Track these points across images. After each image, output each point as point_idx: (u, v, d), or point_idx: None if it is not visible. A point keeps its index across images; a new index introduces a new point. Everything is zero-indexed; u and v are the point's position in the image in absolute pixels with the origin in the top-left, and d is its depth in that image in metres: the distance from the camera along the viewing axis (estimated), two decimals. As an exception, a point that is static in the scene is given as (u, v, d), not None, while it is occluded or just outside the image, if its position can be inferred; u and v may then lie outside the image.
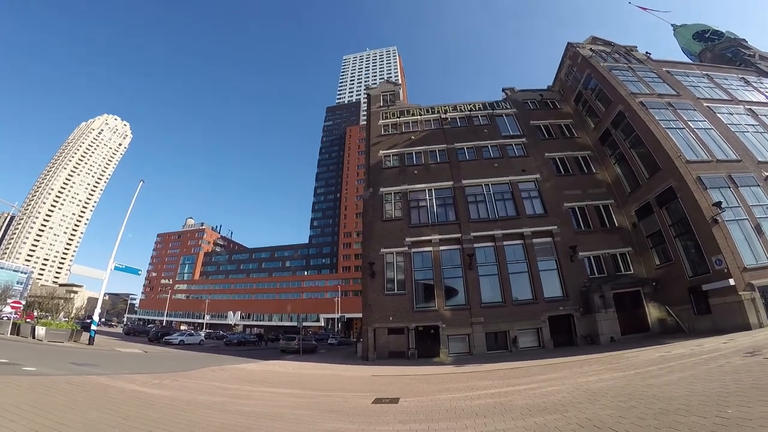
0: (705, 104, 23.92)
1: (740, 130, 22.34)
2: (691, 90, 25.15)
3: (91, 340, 21.21)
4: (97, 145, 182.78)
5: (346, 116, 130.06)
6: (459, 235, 23.60)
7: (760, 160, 20.48)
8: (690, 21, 43.99)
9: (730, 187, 18.91)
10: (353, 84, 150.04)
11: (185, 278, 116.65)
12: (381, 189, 26.32)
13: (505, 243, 23.28)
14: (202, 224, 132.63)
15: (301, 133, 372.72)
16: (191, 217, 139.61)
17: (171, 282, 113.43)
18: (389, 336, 21.19)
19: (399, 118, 30.45)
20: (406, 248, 23.48)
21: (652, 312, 20.06)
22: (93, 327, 22.11)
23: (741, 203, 18.41)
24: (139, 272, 27.99)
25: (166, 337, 36.16)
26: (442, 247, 23.48)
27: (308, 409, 7.72)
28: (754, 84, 27.18)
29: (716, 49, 35.58)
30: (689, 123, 22.23)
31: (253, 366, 18.10)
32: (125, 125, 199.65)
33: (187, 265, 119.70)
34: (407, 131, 29.57)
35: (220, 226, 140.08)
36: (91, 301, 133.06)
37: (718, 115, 23.14)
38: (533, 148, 27.32)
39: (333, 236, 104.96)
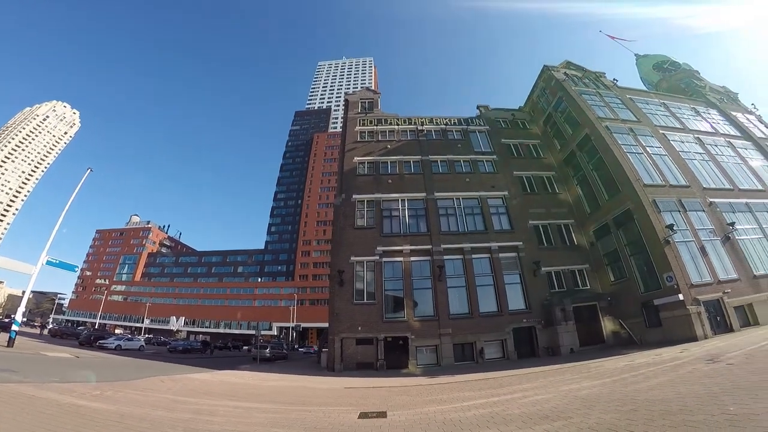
0: (661, 131, 25.95)
1: (689, 157, 24.53)
2: (649, 117, 27.26)
3: (10, 342, 18.34)
4: (39, 132, 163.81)
5: (315, 122, 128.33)
6: (430, 246, 23.62)
7: (705, 186, 22.64)
8: (652, 52, 48.26)
9: (680, 211, 20.69)
10: (325, 91, 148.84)
11: (124, 279, 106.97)
12: (354, 196, 25.79)
13: (473, 256, 23.65)
14: (148, 222, 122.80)
15: (265, 135, 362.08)
16: (136, 215, 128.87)
17: (107, 282, 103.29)
18: (357, 346, 20.45)
19: (376, 126, 30.33)
20: (377, 257, 23.04)
21: (607, 325, 21.22)
22: (14, 327, 19.17)
23: (689, 226, 20.23)
24: (76, 269, 25.08)
25: (100, 341, 32.41)
26: (412, 258, 23.34)
27: (289, 427, 6.93)
28: (703, 114, 29.89)
29: (672, 80, 38.53)
30: (647, 148, 24.05)
31: (207, 376, 16.51)
32: (74, 113, 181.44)
33: (127, 265, 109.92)
34: (383, 140, 29.46)
35: (168, 225, 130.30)
36: (13, 299, 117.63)
37: (671, 142, 25.25)
38: (503, 165, 28.28)
39: (291, 243, 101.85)
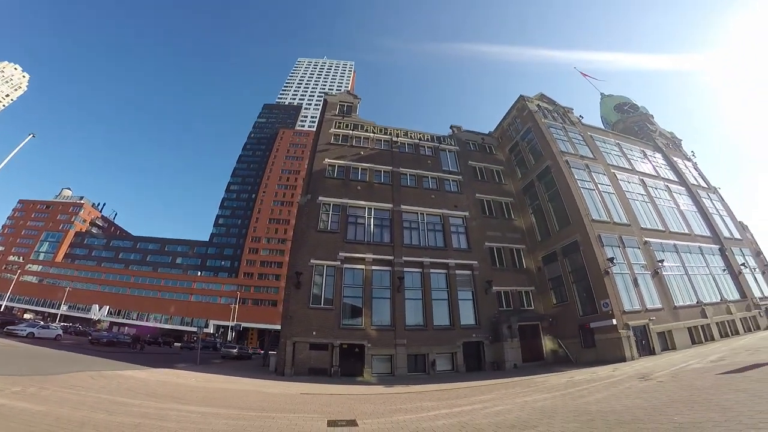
0: (612, 170, 28.60)
1: (633, 197, 27.35)
2: (604, 155, 29.96)
3: None
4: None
5: (283, 118, 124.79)
6: (392, 257, 23.94)
7: (642, 226, 25.42)
8: (615, 92, 52.74)
9: (620, 247, 23.07)
10: (300, 87, 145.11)
11: (42, 258, 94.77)
12: (320, 198, 25.40)
13: (431, 271, 24.34)
14: (81, 198, 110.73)
15: (228, 122, 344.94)
16: (69, 188, 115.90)
17: (22, 260, 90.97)
18: (311, 351, 19.97)
19: (351, 130, 30.29)
20: (339, 263, 22.85)
21: (547, 344, 22.93)
22: None
23: (626, 260, 22.62)
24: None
25: (9, 327, 28.66)
26: (374, 267, 23.47)
27: (256, 433, 6.63)
28: (649, 157, 33.33)
29: (628, 121, 42.24)
30: (599, 185, 26.45)
31: (144, 374, 15.22)
32: (24, 77, 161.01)
33: (48, 243, 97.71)
34: (357, 146, 29.50)
35: (104, 204, 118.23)
36: None
37: (620, 181, 27.97)
38: (467, 186, 29.56)
39: (239, 239, 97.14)
